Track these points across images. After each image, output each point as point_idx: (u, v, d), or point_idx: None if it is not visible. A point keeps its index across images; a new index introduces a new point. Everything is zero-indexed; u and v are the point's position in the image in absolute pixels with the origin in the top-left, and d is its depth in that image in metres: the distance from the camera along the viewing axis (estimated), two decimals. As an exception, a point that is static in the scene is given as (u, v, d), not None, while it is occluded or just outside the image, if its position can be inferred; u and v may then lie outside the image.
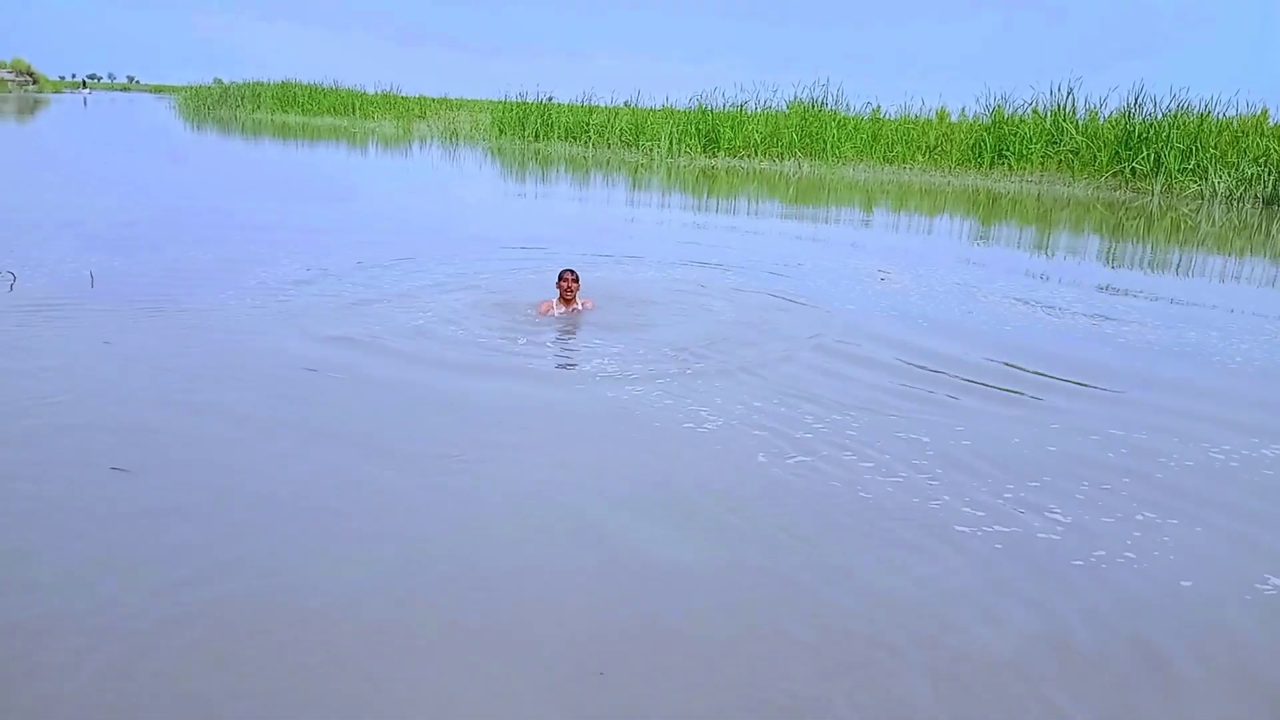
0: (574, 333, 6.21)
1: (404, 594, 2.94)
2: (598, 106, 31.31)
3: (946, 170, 23.05)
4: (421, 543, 3.28)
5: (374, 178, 18.97)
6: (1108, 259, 11.26)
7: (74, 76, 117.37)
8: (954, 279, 9.08)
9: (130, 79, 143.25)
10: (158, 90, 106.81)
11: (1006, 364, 6.00)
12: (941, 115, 26.09)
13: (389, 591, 2.94)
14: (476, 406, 4.70)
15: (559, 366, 5.56)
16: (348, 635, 2.69)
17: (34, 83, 70.60)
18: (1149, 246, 12.50)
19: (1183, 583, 3.26)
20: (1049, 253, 11.62)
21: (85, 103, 59.54)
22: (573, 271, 6.47)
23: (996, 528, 3.59)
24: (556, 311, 6.46)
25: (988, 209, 16.71)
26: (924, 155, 24.19)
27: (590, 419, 4.61)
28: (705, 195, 17.35)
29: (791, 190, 18.67)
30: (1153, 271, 10.63)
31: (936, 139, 24.51)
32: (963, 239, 12.75)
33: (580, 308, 6.57)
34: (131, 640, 2.58)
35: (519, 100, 31.99)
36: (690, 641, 2.78)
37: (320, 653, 2.60)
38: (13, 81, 67.65)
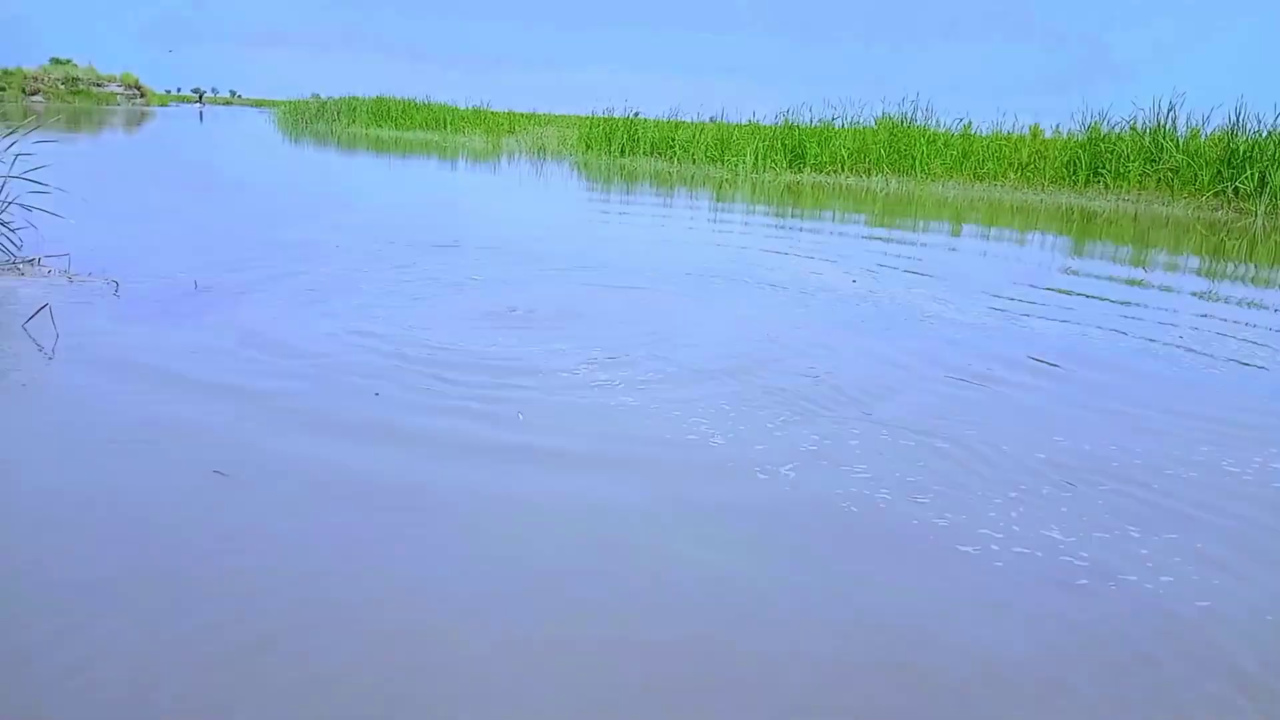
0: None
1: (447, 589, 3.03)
2: (683, 122, 31.48)
3: (1039, 188, 22.59)
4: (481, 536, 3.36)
5: (475, 192, 19.33)
6: (1209, 276, 10.91)
7: (179, 90, 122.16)
8: (1032, 297, 8.91)
9: (233, 93, 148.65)
10: (258, 104, 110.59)
11: (1071, 378, 5.88)
12: (1035, 132, 25.59)
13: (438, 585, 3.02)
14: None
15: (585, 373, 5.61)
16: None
17: (141, 96, 73.75)
18: (1253, 267, 12.06)
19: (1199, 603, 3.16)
20: (1145, 267, 11.30)
21: (201, 116, 61.81)
22: None
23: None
24: None
25: (1081, 227, 16.31)
26: (1016, 173, 23.75)
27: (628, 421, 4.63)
28: (791, 208, 17.26)
29: (879, 206, 18.49)
30: (1258, 291, 10.27)
31: (1029, 156, 24.04)
32: (1049, 253, 12.48)
33: None
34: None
35: (605, 116, 32.34)
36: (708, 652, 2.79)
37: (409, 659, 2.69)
38: (122, 95, 70.80)
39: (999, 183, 23.37)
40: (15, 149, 7.60)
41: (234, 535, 3.19)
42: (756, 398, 5.03)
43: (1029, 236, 14.61)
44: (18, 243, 7.63)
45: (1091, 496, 3.97)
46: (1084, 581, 3.22)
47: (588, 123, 33.26)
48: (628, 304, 7.37)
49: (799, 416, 4.75)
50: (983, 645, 2.83)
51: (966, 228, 15.57)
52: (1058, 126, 25.35)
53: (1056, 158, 23.39)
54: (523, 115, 44.54)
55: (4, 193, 7.52)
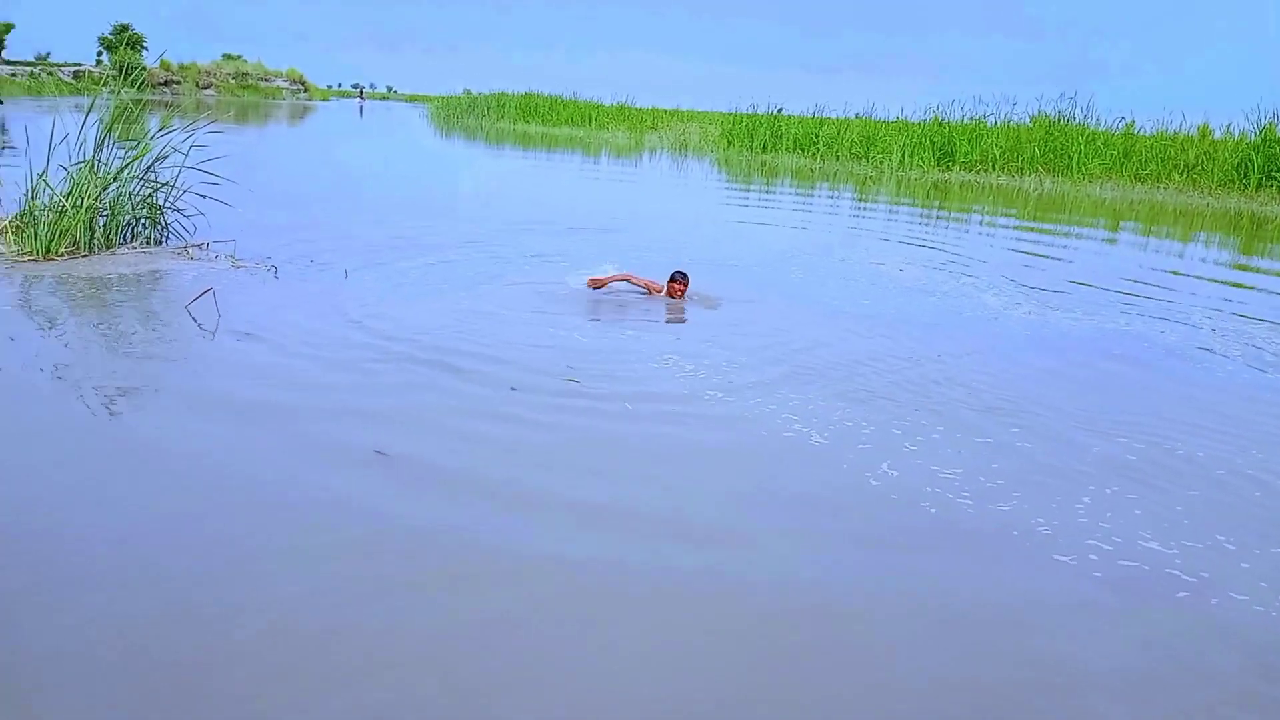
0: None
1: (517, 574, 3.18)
2: (828, 119, 31.11)
3: (1206, 191, 21.39)
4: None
5: (622, 190, 19.62)
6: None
7: (339, 85, 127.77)
8: (1186, 305, 8.54)
9: (389, 88, 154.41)
10: (411, 99, 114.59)
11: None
12: (1203, 132, 24.19)
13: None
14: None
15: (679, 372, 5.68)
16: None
17: (305, 91, 77.46)
18: None
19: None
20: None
21: (360, 111, 64.36)
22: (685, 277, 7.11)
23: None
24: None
25: (1250, 233, 15.41)
26: (1181, 175, 22.54)
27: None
28: (936, 208, 16.90)
29: (1031, 207, 17.89)
30: None
31: (1196, 157, 22.78)
32: (1209, 265, 11.86)
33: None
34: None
35: (749, 113, 32.26)
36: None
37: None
38: (287, 89, 74.55)
39: (1162, 185, 22.24)
40: (190, 140, 8.22)
41: (387, 514, 3.49)
42: (867, 398, 5.07)
43: (1190, 246, 13.92)
44: (190, 228, 8.28)
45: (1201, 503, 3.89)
46: (1183, 594, 3.18)
47: (730, 119, 33.25)
48: (755, 311, 7.45)
49: (913, 417, 4.77)
50: (1074, 651, 2.85)
51: (1124, 233, 14.95)
52: (1228, 126, 23.93)
53: (1226, 159, 22.08)
54: (665, 112, 44.83)
55: (180, 181, 8.16)
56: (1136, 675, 2.75)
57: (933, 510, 3.70)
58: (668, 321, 6.56)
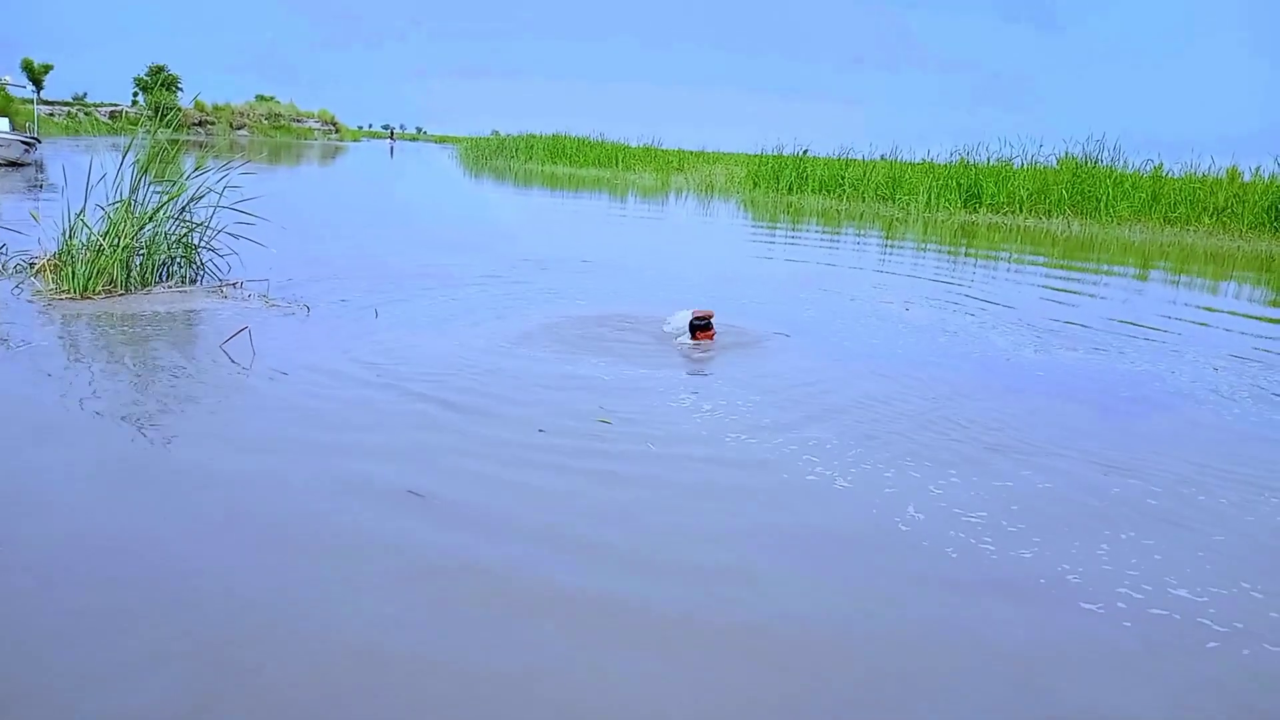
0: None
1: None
2: (854, 160, 31.27)
3: (1236, 234, 21.24)
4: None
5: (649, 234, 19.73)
6: None
7: (370, 126, 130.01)
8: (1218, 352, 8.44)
9: (419, 129, 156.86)
10: (441, 140, 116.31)
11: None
12: (1232, 174, 24.09)
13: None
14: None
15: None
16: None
17: (336, 131, 78.83)
18: None
19: None
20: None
21: (391, 152, 65.23)
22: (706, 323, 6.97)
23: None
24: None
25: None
26: (1210, 217, 22.41)
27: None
28: (964, 249, 16.86)
29: (1060, 248, 17.81)
30: None
31: (1226, 200, 22.65)
32: (1243, 302, 11.74)
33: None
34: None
35: (774, 154, 32.47)
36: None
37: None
38: (319, 130, 75.87)
39: (1191, 227, 22.11)
40: (225, 180, 8.35)
41: (419, 550, 3.49)
42: (889, 438, 5.02)
43: (1222, 286, 13.80)
44: (224, 267, 8.39)
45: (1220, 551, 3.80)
46: (1214, 645, 3.10)
47: (755, 161, 33.49)
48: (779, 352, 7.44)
49: (934, 458, 4.72)
50: (1105, 700, 2.78)
51: (1154, 274, 14.84)
52: (1258, 168, 23.83)
53: (1257, 202, 21.95)
54: (691, 154, 45.23)
55: (214, 221, 8.28)
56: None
57: (955, 555, 3.64)
58: (692, 360, 6.54)
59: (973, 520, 3.97)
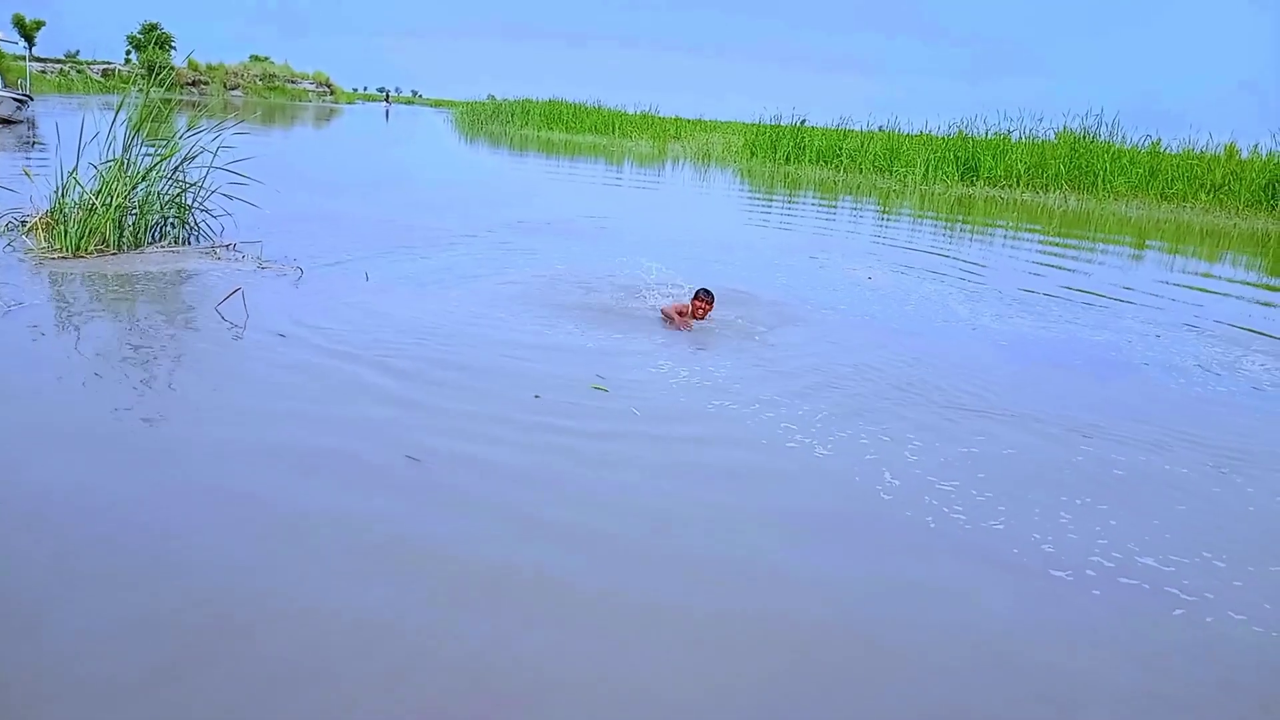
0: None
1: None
2: (852, 131, 31.12)
3: (1233, 211, 21.22)
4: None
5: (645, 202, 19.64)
6: None
7: (365, 89, 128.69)
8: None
9: (414, 93, 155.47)
10: (436, 104, 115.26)
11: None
12: (1230, 151, 24.04)
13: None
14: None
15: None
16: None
17: (331, 93, 77.99)
18: None
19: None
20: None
21: (386, 115, 64.52)
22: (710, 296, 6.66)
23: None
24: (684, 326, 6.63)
25: (1277, 255, 15.26)
26: (1207, 194, 22.38)
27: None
28: (960, 222, 16.82)
29: (1056, 223, 17.78)
30: None
31: (1223, 177, 22.62)
32: (1234, 284, 11.75)
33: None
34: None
35: (773, 124, 32.27)
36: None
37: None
38: (313, 92, 75.08)
39: (1188, 204, 22.08)
40: (218, 141, 8.27)
41: (411, 521, 3.50)
42: (878, 406, 5.05)
43: (1216, 265, 13.81)
44: (217, 228, 8.33)
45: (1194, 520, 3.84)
46: (1180, 613, 3.17)
47: (753, 130, 33.28)
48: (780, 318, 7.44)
49: (917, 426, 4.75)
50: (1075, 668, 2.83)
51: (1150, 251, 14.84)
52: (1256, 146, 23.78)
53: (1254, 180, 21.92)
54: (689, 121, 44.90)
55: (208, 182, 8.21)
56: (1135, 694, 2.73)
57: (933, 524, 3.69)
58: (689, 339, 6.51)
59: (947, 489, 4.02)
